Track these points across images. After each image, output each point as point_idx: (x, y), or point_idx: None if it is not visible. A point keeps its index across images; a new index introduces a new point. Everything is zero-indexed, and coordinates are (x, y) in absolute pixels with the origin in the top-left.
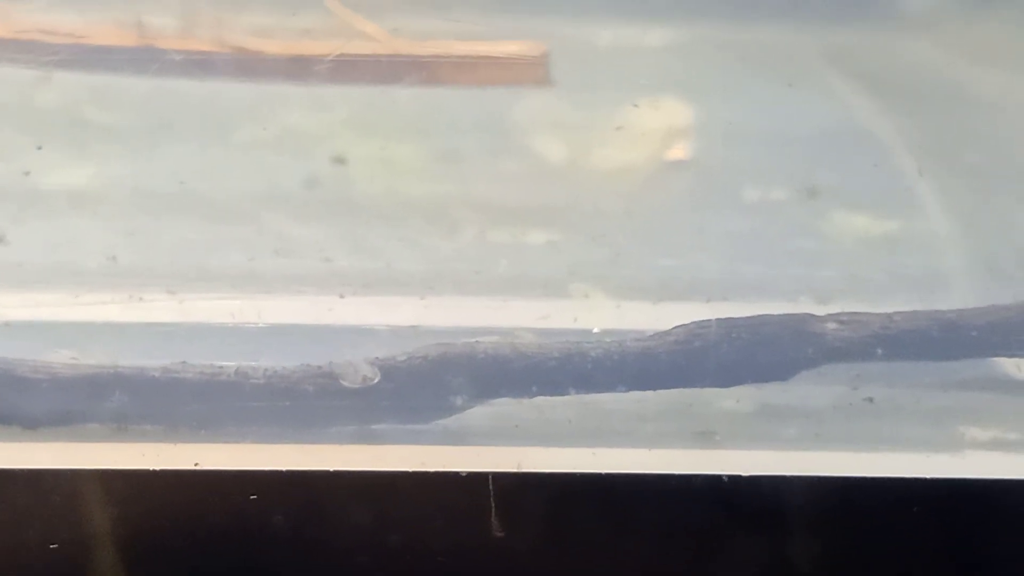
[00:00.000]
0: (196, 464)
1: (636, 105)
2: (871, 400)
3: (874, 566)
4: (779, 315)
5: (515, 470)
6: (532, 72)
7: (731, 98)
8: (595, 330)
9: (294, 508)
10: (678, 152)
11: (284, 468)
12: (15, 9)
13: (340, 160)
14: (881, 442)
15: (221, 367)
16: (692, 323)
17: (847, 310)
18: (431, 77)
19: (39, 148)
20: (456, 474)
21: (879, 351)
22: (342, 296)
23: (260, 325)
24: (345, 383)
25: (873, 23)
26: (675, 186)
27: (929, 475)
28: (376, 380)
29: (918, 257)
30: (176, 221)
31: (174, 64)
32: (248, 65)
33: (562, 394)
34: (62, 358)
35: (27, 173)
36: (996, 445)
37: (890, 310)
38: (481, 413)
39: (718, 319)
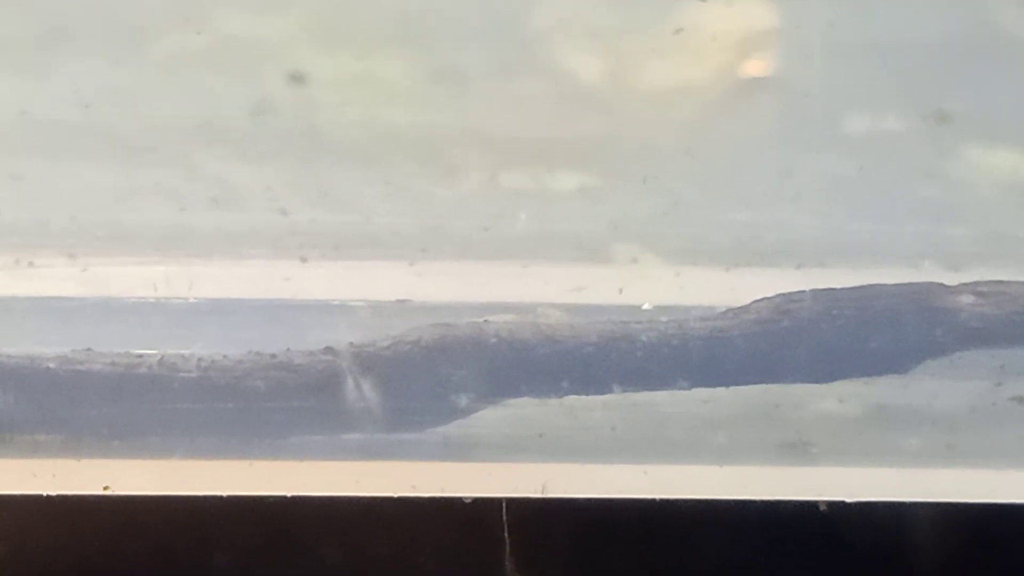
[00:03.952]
0: (106, 488)
1: None
2: (1021, 400)
3: None
4: (896, 285)
5: (538, 495)
6: None
7: None
8: (646, 306)
9: (240, 548)
10: (759, 66)
11: (226, 493)
12: None
13: (298, 78)
14: None
15: (140, 356)
16: (778, 296)
17: (987, 278)
18: None
19: None
20: (459, 500)
21: None
22: (304, 260)
23: (192, 300)
24: None
25: None
26: (754, 113)
27: None
28: None
29: None
30: (78, 160)
31: None
32: None
33: (603, 392)
34: None
35: None
36: None
37: None
38: (493, 418)
39: (814, 291)
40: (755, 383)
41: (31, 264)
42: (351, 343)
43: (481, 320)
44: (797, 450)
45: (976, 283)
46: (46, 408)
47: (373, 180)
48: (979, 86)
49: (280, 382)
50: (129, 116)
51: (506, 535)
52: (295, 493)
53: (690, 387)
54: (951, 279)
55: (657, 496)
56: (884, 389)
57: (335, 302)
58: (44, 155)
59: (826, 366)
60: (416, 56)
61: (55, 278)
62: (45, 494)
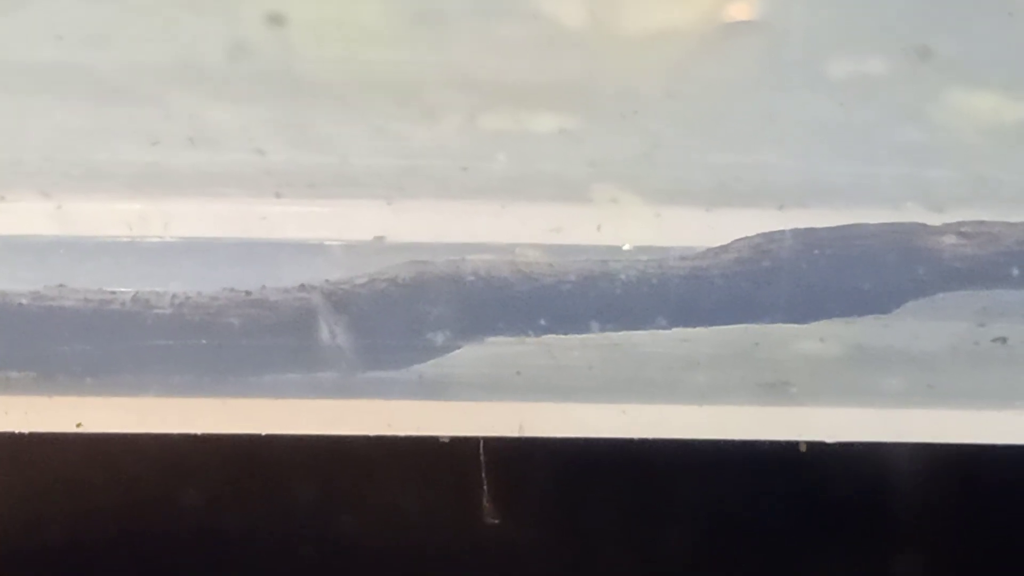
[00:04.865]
0: (79, 425)
1: None
2: (1003, 341)
3: (1009, 565)
4: (878, 225)
5: (516, 434)
6: None
7: None
8: (626, 246)
9: (213, 486)
10: (740, 9)
11: (200, 431)
12: None
13: (276, 19)
14: (1017, 397)
15: (113, 293)
16: (758, 236)
17: (970, 219)
18: None
19: None
20: (435, 440)
21: (1014, 273)
22: (279, 197)
23: (167, 239)
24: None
25: None
26: (736, 54)
27: None
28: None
29: None
30: (52, 98)
31: None
32: None
33: (581, 331)
34: None
35: None
36: None
37: None
38: (470, 356)
39: (794, 230)
40: (735, 323)
41: (3, 199)
42: (327, 280)
43: (459, 258)
44: (777, 390)
45: (959, 223)
46: (18, 345)
47: (351, 120)
48: (962, 27)
49: (255, 319)
50: (104, 54)
51: (483, 474)
52: (269, 431)
53: (669, 326)
54: (934, 221)
55: (635, 436)
56: (865, 329)
57: (311, 241)
58: (17, 93)
59: (807, 306)
60: None
61: (28, 215)
62: (17, 431)
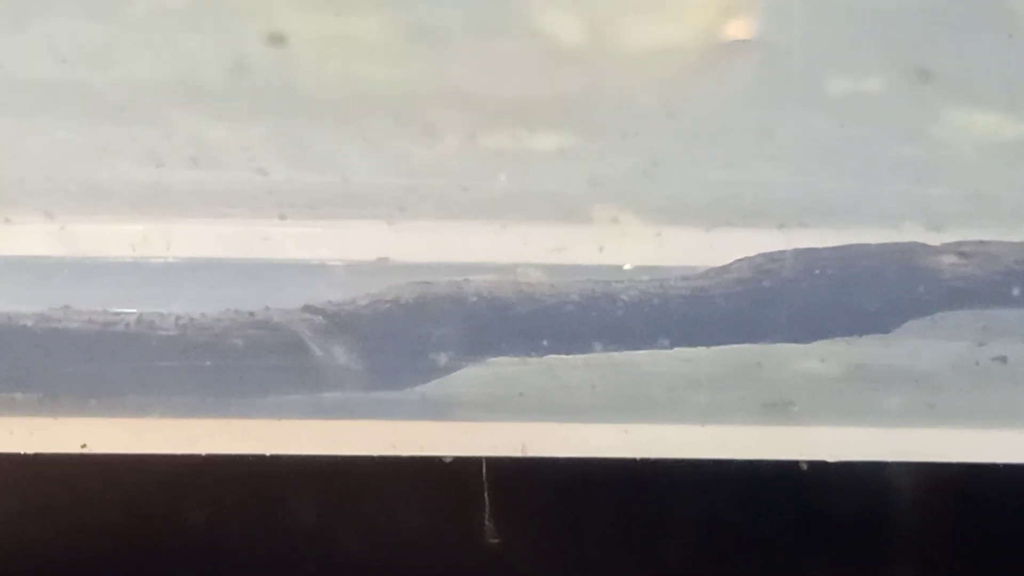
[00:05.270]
0: (83, 446)
1: None
2: (1003, 360)
3: None
4: (878, 245)
5: (518, 454)
6: None
7: None
8: (627, 266)
9: (217, 506)
10: (739, 28)
11: (204, 452)
12: None
13: (277, 39)
14: (1018, 416)
15: (117, 315)
16: (759, 256)
17: (970, 238)
18: None
19: None
20: (438, 460)
21: (1014, 292)
22: (282, 218)
23: (170, 259)
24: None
25: None
26: (734, 72)
27: None
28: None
29: None
30: (54, 117)
31: None
32: None
33: (583, 351)
34: None
35: None
36: None
37: None
38: (472, 376)
39: (795, 250)
40: (736, 342)
41: (7, 221)
42: (330, 301)
43: (461, 279)
44: (778, 409)
45: (959, 243)
46: (23, 366)
47: (351, 139)
48: (961, 46)
49: (258, 340)
50: (106, 73)
51: (486, 495)
52: (273, 452)
53: (671, 346)
54: (933, 239)
55: (637, 455)
56: (866, 348)
57: (313, 261)
58: (19, 112)
59: (807, 325)
60: (395, 15)
61: (31, 236)
62: (22, 452)
